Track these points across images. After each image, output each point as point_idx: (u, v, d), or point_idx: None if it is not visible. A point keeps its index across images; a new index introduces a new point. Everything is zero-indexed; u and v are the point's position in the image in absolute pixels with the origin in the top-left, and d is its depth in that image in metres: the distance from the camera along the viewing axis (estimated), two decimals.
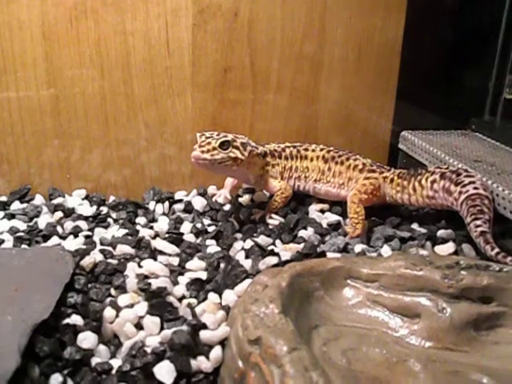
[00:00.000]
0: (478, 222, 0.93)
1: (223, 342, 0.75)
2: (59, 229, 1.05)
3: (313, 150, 1.18)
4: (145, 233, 1.02)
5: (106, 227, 1.08)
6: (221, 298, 0.84)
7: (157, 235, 1.03)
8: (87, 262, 0.88)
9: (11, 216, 1.10)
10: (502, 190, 0.99)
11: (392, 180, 1.11)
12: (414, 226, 1.11)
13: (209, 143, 1.02)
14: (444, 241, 1.04)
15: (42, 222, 1.07)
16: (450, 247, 1.01)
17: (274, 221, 1.10)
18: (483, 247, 0.89)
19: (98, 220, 1.10)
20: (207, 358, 0.73)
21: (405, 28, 1.27)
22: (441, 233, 1.07)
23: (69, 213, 1.12)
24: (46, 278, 0.81)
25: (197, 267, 0.92)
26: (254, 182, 1.15)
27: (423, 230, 1.08)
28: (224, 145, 1.03)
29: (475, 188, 0.98)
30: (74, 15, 1.11)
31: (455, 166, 1.11)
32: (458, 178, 1.01)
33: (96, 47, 1.14)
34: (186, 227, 1.07)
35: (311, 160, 1.17)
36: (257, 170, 1.12)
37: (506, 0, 1.27)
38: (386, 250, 1.00)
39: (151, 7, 1.13)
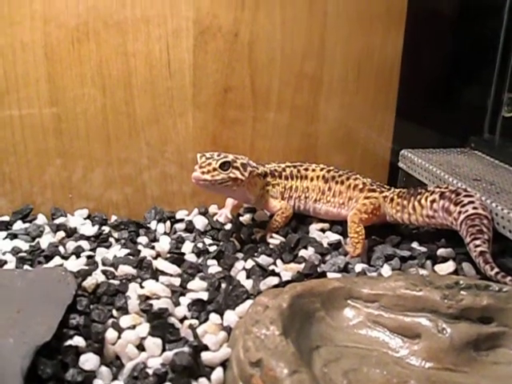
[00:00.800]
0: (478, 242, 0.93)
1: (225, 364, 0.75)
2: (61, 249, 1.05)
3: (313, 170, 1.18)
4: (146, 253, 1.02)
5: (107, 247, 1.08)
6: (222, 318, 0.84)
7: (158, 255, 1.03)
8: (89, 282, 0.88)
9: (14, 236, 1.10)
10: (502, 209, 0.99)
11: (392, 199, 1.12)
12: (414, 244, 1.12)
13: (209, 164, 1.03)
14: (444, 259, 1.04)
15: (45, 241, 1.08)
16: (450, 266, 1.02)
17: (275, 240, 1.10)
18: (483, 267, 0.90)
19: (100, 240, 1.10)
20: (209, 379, 0.73)
21: (404, 46, 1.28)
22: (441, 251, 1.07)
23: (71, 233, 1.12)
24: (48, 300, 0.81)
25: (198, 287, 0.92)
26: (254, 202, 1.15)
27: (423, 249, 1.09)
28: (224, 165, 1.03)
29: (474, 208, 0.99)
30: (76, 37, 1.13)
31: (455, 184, 1.12)
32: (457, 197, 1.02)
33: (98, 68, 1.15)
34: (187, 247, 1.07)
35: (311, 180, 1.17)
36: (257, 190, 1.13)
37: (504, 18, 1.29)
38: (386, 270, 1.00)
39: (152, 29, 1.15)
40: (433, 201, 1.05)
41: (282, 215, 1.12)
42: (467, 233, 0.95)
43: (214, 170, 1.03)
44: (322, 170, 1.18)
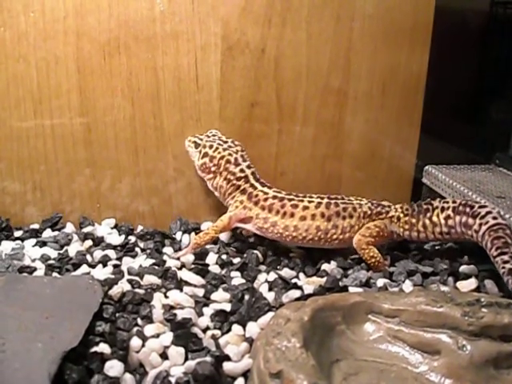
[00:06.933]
0: (506, 258, 0.92)
1: (246, 374, 0.77)
2: (89, 257, 1.08)
3: (305, 208, 1.07)
4: (171, 263, 1.04)
5: (133, 256, 1.10)
6: (244, 329, 0.86)
7: (183, 266, 1.05)
8: (115, 291, 0.91)
9: (43, 243, 1.13)
10: None
11: (399, 218, 1.09)
12: (437, 260, 1.12)
13: (193, 137, 1.18)
14: (466, 276, 1.04)
15: (73, 250, 1.10)
16: (472, 283, 1.01)
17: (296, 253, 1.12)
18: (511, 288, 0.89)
19: (126, 249, 1.12)
20: None
21: (429, 62, 1.28)
22: (463, 268, 1.07)
23: (98, 241, 1.15)
24: (75, 307, 0.84)
25: (221, 299, 0.94)
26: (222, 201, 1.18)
27: (446, 265, 1.08)
28: (195, 144, 1.17)
29: (494, 218, 0.99)
30: (108, 51, 1.16)
31: (478, 202, 1.11)
32: (472, 210, 1.02)
33: (127, 81, 1.18)
34: (211, 258, 1.09)
35: (302, 219, 1.07)
36: (224, 194, 1.15)
37: None
38: (407, 285, 1.00)
39: (181, 43, 1.17)
40: (447, 217, 1.05)
41: (212, 227, 1.11)
42: (492, 245, 0.95)
43: (192, 142, 1.17)
44: (317, 207, 1.07)
